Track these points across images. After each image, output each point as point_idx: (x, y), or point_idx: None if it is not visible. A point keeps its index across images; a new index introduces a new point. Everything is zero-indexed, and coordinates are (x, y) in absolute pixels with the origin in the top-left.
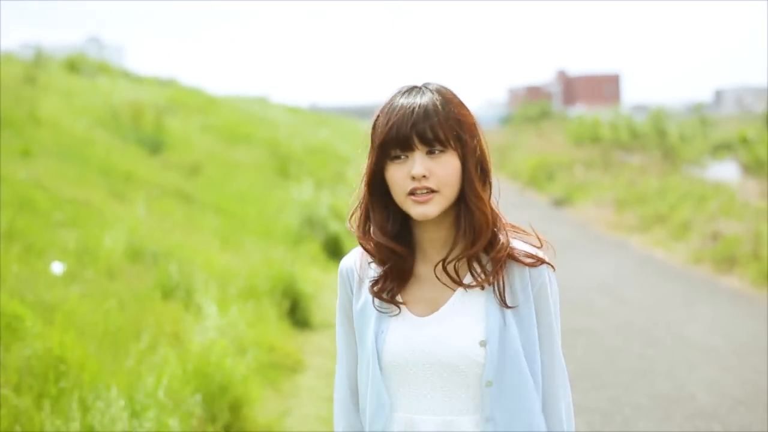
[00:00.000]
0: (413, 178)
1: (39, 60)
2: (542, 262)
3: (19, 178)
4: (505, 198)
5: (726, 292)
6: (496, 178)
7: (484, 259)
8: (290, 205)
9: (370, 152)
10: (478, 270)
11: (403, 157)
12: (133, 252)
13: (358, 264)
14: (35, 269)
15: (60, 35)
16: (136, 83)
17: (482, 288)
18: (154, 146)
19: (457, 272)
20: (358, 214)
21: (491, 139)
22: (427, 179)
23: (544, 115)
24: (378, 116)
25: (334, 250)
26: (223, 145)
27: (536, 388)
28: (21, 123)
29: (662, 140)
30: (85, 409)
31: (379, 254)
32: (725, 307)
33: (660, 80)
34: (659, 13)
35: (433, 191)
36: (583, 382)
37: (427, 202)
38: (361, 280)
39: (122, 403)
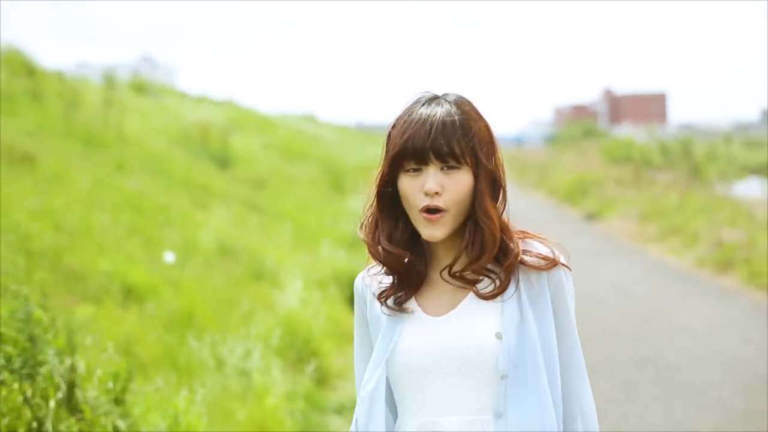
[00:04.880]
0: (426, 193)
1: (110, 82)
2: (556, 263)
3: (126, 187)
4: (541, 212)
5: (718, 290)
6: (506, 192)
7: (497, 267)
8: (347, 215)
9: (384, 161)
10: (493, 277)
11: (418, 170)
12: (223, 248)
13: (373, 276)
14: (154, 257)
15: (108, 52)
16: (196, 103)
17: (495, 297)
18: (223, 162)
19: (464, 278)
20: (368, 222)
21: (534, 158)
22: (439, 196)
23: (588, 134)
24: (395, 125)
25: None
26: (282, 162)
27: (553, 387)
28: (111, 142)
29: (689, 160)
30: (212, 345)
31: (388, 262)
32: (714, 300)
33: (709, 99)
34: (708, 32)
35: (441, 210)
36: (583, 348)
37: (435, 223)
38: (373, 291)
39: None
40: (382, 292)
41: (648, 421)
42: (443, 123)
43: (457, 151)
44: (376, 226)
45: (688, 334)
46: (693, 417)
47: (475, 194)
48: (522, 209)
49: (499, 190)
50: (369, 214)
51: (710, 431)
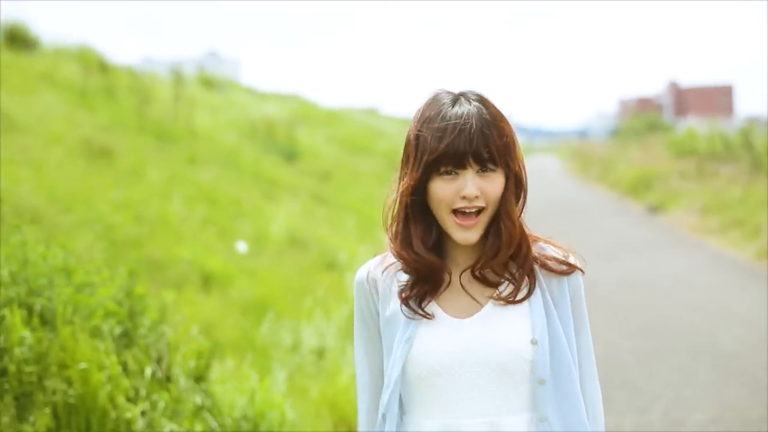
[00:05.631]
0: (464, 197)
1: (177, 78)
2: (575, 268)
3: (199, 180)
4: (602, 206)
5: None
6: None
7: (515, 269)
8: None
9: (416, 164)
10: (510, 277)
11: (453, 173)
12: (293, 239)
13: (384, 272)
14: (229, 247)
15: (172, 47)
16: (262, 98)
17: (513, 299)
18: (290, 156)
19: (486, 278)
20: (395, 224)
21: (598, 151)
22: (478, 199)
23: (653, 127)
24: (421, 128)
25: None
26: (346, 156)
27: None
28: (182, 136)
29: (751, 152)
30: (287, 328)
31: (416, 265)
32: None
33: None
34: None
35: (480, 210)
36: (640, 335)
37: (471, 228)
38: (387, 288)
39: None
40: (402, 291)
41: (702, 404)
42: (481, 127)
43: (496, 155)
44: (405, 227)
45: (744, 323)
46: (746, 400)
47: (502, 197)
48: (584, 201)
49: (521, 191)
50: (396, 216)
51: (764, 415)
